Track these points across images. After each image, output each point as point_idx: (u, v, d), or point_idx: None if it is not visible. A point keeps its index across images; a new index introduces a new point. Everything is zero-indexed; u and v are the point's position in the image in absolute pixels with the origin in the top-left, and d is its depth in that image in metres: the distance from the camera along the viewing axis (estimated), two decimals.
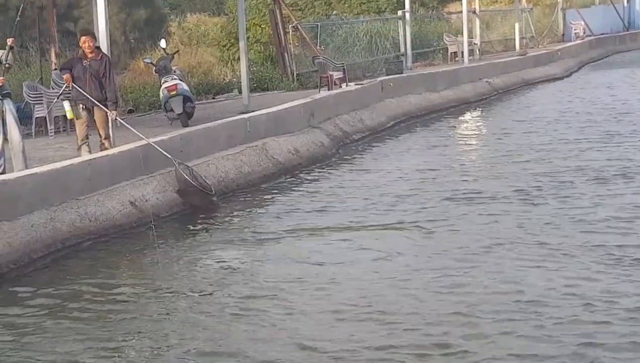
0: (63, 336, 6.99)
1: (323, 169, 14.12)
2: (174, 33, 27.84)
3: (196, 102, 16.06)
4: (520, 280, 7.67)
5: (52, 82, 15.93)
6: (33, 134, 14.76)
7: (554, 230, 9.35)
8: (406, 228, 9.77)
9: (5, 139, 11.12)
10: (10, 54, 11.06)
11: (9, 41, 11.07)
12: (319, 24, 25.07)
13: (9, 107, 11.13)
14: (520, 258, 8.36)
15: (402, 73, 22.25)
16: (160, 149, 11.53)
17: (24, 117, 14.16)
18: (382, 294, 7.56)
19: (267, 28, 23.27)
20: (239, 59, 18.30)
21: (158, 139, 12.19)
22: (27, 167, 10.90)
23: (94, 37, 11.74)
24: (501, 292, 7.39)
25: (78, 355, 6.57)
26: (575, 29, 35.57)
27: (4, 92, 11.11)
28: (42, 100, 14.98)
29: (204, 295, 7.89)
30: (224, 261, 8.89)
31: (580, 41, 34.42)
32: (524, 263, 8.18)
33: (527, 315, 6.82)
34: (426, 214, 10.36)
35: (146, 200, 11.00)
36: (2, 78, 11.02)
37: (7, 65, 11.14)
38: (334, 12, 29.35)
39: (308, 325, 6.92)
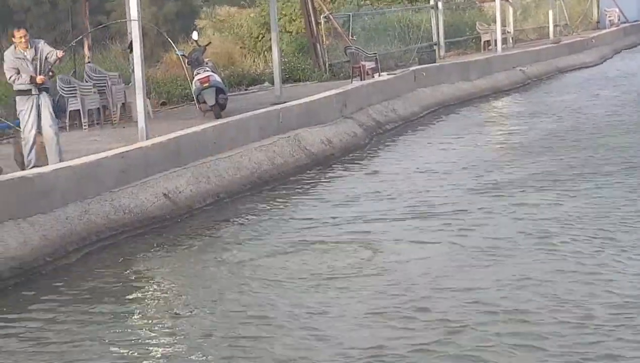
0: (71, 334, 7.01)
1: (356, 159, 14.06)
2: (206, 25, 27.86)
3: (228, 94, 16.06)
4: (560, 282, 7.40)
5: (85, 75, 16.01)
6: (67, 127, 14.82)
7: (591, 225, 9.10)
8: (440, 222, 9.64)
9: (39, 133, 11.20)
10: (57, 61, 11.29)
11: (60, 53, 11.22)
12: (350, 14, 24.97)
13: (44, 100, 11.21)
14: (561, 258, 8.05)
15: (434, 62, 22.14)
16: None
17: (57, 110, 14.21)
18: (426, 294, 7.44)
19: (298, 19, 23.19)
20: (270, 49, 18.26)
21: (191, 130, 12.22)
22: (61, 160, 10.96)
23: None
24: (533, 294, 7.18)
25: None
26: (609, 16, 35.15)
27: (42, 86, 11.19)
28: (75, 93, 15.05)
29: (217, 296, 7.74)
30: (236, 261, 8.72)
31: (615, 28, 34.03)
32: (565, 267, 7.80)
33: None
34: (461, 207, 10.20)
35: (180, 192, 11.01)
36: (42, 77, 11.09)
37: (50, 74, 11.37)
38: (366, 2, 29.17)
39: (338, 327, 6.80)
